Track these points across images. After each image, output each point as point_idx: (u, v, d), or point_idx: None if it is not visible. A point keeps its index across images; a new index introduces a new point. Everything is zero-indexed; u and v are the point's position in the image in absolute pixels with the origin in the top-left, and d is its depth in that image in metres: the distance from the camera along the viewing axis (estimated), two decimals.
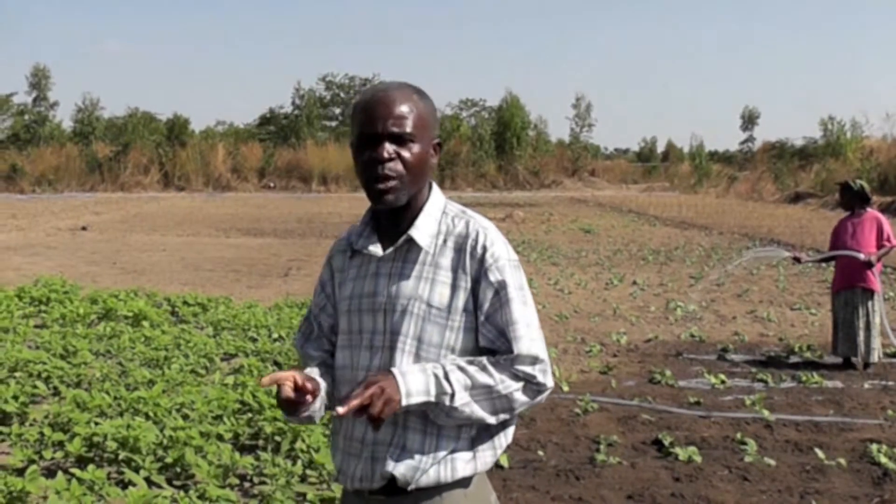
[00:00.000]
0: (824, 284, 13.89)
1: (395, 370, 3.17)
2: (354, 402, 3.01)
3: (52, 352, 12.31)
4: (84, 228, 38.21)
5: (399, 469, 3.31)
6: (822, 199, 55.10)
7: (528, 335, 3.33)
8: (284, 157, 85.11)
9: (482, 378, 3.24)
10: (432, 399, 3.18)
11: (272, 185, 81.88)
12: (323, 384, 3.49)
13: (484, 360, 3.28)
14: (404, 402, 3.12)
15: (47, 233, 36.35)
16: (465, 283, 3.32)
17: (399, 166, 3.33)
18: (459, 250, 3.35)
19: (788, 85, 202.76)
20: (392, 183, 3.33)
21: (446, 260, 3.36)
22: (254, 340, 13.59)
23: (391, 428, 3.34)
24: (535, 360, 3.33)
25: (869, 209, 13.25)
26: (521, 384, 3.30)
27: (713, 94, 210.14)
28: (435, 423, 3.30)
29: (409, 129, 3.33)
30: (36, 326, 14.88)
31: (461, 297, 3.32)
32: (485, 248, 3.34)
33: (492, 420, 3.29)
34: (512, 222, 42.53)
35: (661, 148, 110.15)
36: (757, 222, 42.47)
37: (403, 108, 3.34)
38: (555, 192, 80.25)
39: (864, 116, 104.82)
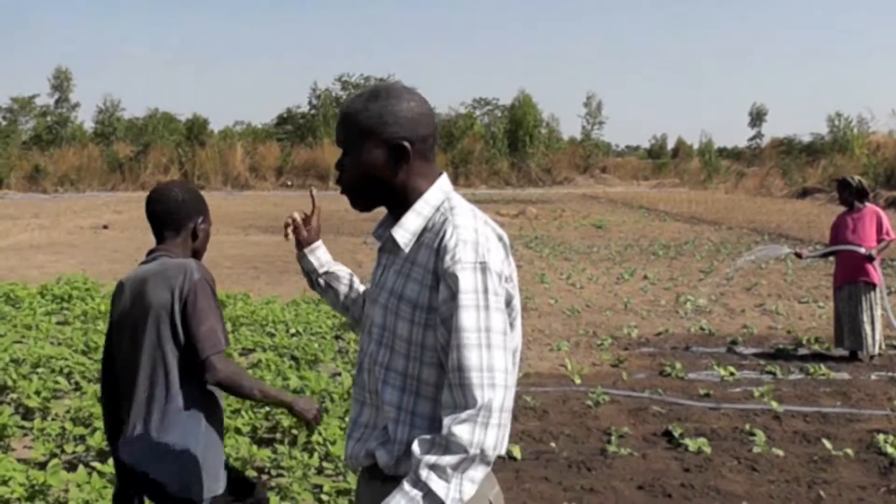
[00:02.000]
0: (831, 278, 13.85)
1: None
2: None
3: (73, 348, 12.32)
4: (105, 227, 38.25)
5: (379, 452, 3.34)
6: (830, 194, 54.77)
7: (478, 344, 3.09)
8: (302, 155, 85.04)
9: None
10: None
11: (290, 183, 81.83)
12: (326, 257, 4.19)
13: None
14: None
15: (69, 231, 36.39)
16: (430, 282, 3.22)
17: (345, 176, 3.42)
18: (433, 247, 3.25)
19: (795, 82, 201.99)
20: (346, 193, 3.43)
21: (422, 257, 3.28)
22: (271, 336, 13.59)
23: (375, 411, 3.39)
24: (465, 409, 3.07)
25: (868, 204, 13.23)
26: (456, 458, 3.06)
27: (722, 92, 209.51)
28: (412, 413, 3.28)
29: (342, 138, 3.40)
30: (58, 323, 14.91)
31: (426, 295, 3.22)
32: (446, 248, 3.17)
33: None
34: (525, 218, 42.49)
35: (671, 145, 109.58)
36: (765, 217, 42.38)
37: (342, 121, 3.41)
38: (567, 189, 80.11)
39: (869, 113, 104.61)
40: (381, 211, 3.48)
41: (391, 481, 3.27)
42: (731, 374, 12.15)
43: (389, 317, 3.31)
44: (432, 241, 3.26)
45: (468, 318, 3.09)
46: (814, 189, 61.19)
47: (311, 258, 4.13)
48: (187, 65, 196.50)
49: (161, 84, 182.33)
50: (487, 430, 3.03)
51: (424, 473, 3.03)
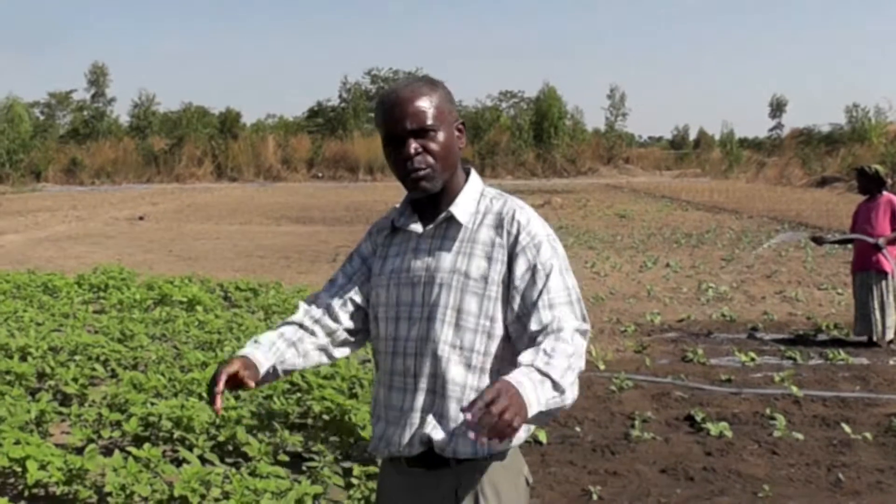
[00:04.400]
0: (850, 265, 13.86)
1: (511, 381, 2.95)
2: (482, 403, 2.83)
3: (110, 336, 12.35)
4: (141, 218, 38.41)
5: (436, 433, 3.33)
6: (849, 183, 54.54)
7: (568, 300, 3.33)
8: (332, 148, 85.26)
9: (561, 363, 3.12)
10: (545, 407, 3.05)
11: (320, 174, 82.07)
12: (267, 363, 3.47)
13: (546, 347, 3.15)
14: (531, 413, 2.95)
15: (106, 223, 36.54)
16: (502, 257, 3.34)
17: (428, 158, 3.37)
18: (497, 227, 3.38)
19: (815, 73, 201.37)
20: (424, 172, 3.36)
21: (484, 236, 3.38)
22: None
23: (430, 396, 3.37)
24: (575, 323, 3.29)
25: (885, 193, 13.17)
26: (574, 345, 3.22)
27: (743, 84, 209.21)
28: (476, 390, 3.30)
29: (428, 122, 3.36)
30: (95, 312, 14.96)
31: (497, 270, 3.33)
32: (520, 225, 3.36)
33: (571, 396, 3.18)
34: (550, 208, 42.48)
35: (693, 135, 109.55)
36: (785, 206, 42.22)
37: (419, 104, 3.37)
38: (591, 179, 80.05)
39: (887, 103, 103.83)
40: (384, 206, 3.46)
41: (439, 468, 3.34)
42: (752, 359, 12.10)
43: (455, 294, 3.35)
44: (495, 219, 3.41)
45: (555, 280, 3.31)
46: (833, 178, 60.95)
47: (264, 372, 3.49)
48: (220, 59, 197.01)
49: (195, 78, 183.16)
50: (582, 357, 3.24)
51: (542, 360, 3.09)
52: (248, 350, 3.47)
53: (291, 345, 3.58)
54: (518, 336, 3.33)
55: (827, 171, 65.34)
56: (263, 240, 29.10)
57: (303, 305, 3.69)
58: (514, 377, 2.95)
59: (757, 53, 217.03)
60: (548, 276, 3.30)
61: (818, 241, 13.78)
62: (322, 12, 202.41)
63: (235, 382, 3.32)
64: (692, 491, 7.62)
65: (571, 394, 3.13)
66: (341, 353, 3.71)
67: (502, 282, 3.34)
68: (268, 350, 3.50)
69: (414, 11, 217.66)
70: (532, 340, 3.24)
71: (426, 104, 3.37)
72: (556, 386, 3.04)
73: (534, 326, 3.27)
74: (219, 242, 28.42)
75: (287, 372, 3.59)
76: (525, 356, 3.11)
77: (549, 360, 3.07)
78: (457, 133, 3.47)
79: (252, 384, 3.34)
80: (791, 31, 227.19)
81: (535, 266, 3.31)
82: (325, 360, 3.67)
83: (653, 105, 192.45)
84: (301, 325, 3.62)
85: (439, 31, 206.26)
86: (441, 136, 3.38)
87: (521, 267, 3.32)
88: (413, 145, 3.35)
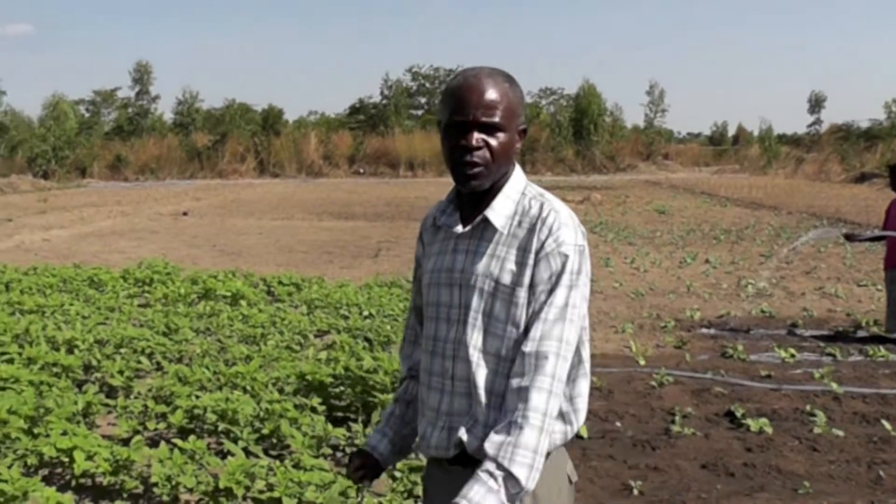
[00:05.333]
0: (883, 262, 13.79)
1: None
2: None
3: (155, 329, 12.41)
4: (185, 213, 38.53)
5: (468, 437, 3.29)
6: (887, 178, 54.26)
7: (559, 317, 3.22)
8: (373, 144, 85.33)
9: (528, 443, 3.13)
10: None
11: (362, 171, 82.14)
12: (385, 441, 3.69)
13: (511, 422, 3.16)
14: None
15: (150, 218, 36.69)
16: (531, 262, 3.25)
17: (486, 154, 3.28)
18: (530, 230, 3.28)
19: (854, 69, 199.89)
20: (478, 169, 3.28)
21: (518, 240, 3.29)
22: (345, 318, 13.62)
23: (465, 399, 3.33)
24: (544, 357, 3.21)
25: None
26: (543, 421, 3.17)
27: (781, 80, 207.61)
28: (497, 395, 3.27)
29: (497, 119, 3.27)
30: (140, 306, 15.04)
31: (527, 275, 3.25)
32: (550, 231, 3.25)
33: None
34: (590, 204, 42.37)
35: (731, 132, 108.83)
36: (824, 202, 41.99)
37: (494, 97, 3.27)
38: (630, 176, 79.82)
39: None
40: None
41: (476, 467, 3.27)
42: (792, 355, 12.05)
43: (486, 299, 3.29)
44: (529, 223, 3.30)
45: (561, 295, 3.22)
46: (871, 174, 60.52)
47: (386, 451, 3.72)
48: (263, 57, 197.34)
49: (238, 76, 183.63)
50: (551, 399, 3.18)
51: (505, 456, 3.10)
52: (369, 439, 3.74)
53: (407, 404, 3.73)
54: (517, 343, 3.28)
55: (866, 167, 64.96)
56: (305, 235, 29.15)
57: (401, 358, 3.85)
58: (473, 496, 3.06)
59: (795, 49, 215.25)
60: (557, 289, 3.23)
61: (850, 238, 13.73)
62: (364, 10, 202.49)
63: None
64: (732, 486, 7.60)
65: (534, 482, 3.16)
66: None
67: (529, 287, 3.26)
68: (385, 425, 3.74)
69: (455, 9, 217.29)
70: (516, 372, 3.21)
71: (501, 99, 3.29)
72: (518, 484, 3.09)
73: (525, 348, 3.21)
74: (261, 237, 28.48)
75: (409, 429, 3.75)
76: (491, 444, 3.13)
77: (514, 452, 3.10)
78: (517, 137, 3.38)
79: (369, 481, 3.69)
80: (830, 26, 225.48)
81: (552, 275, 3.23)
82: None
83: (691, 101, 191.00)
84: (406, 378, 3.77)
85: (480, 29, 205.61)
86: (505, 136, 3.30)
87: (541, 273, 3.24)
88: (476, 137, 3.27)
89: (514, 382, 3.17)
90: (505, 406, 3.20)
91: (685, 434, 8.81)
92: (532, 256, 3.25)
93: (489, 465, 3.08)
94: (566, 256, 3.23)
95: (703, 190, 54.35)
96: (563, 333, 3.21)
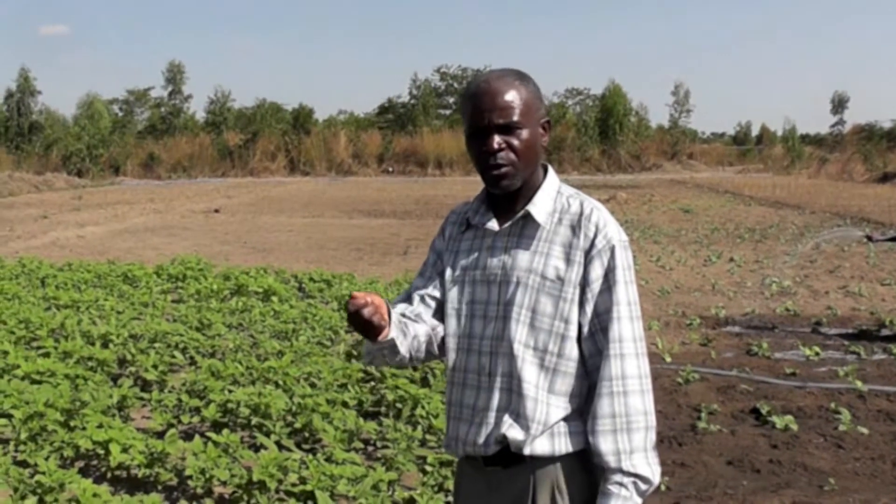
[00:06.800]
0: None
1: None
2: None
3: (188, 324, 12.47)
4: (216, 211, 38.63)
5: (512, 432, 3.27)
6: None
7: (628, 315, 3.26)
8: (402, 143, 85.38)
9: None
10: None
11: (391, 169, 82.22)
12: (400, 329, 3.29)
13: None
14: None
15: (182, 215, 36.80)
16: (579, 258, 3.26)
17: (510, 155, 3.27)
18: (574, 227, 3.29)
19: (877, 69, 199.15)
20: (505, 170, 3.27)
21: (561, 236, 3.30)
22: None
23: (506, 394, 3.30)
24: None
25: None
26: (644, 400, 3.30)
27: (805, 80, 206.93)
28: (548, 391, 3.27)
29: (515, 119, 3.27)
30: (173, 301, 15.12)
31: (575, 271, 3.25)
32: (598, 228, 3.27)
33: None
34: (616, 203, 42.28)
35: (755, 132, 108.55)
36: (847, 202, 41.78)
37: (507, 98, 3.27)
38: (655, 175, 79.63)
39: None
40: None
41: (516, 465, 3.30)
42: (816, 353, 12.02)
43: (531, 294, 3.28)
44: (571, 220, 3.32)
45: (623, 292, 3.25)
46: (894, 174, 60.26)
47: (382, 343, 3.26)
48: (294, 56, 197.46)
49: (269, 75, 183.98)
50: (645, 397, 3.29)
51: (626, 462, 3.19)
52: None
53: (408, 322, 3.42)
54: (591, 354, 3.29)
55: (889, 167, 64.67)
56: (335, 232, 29.19)
57: (399, 306, 3.52)
58: None
59: (819, 50, 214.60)
60: (618, 288, 3.25)
61: (870, 239, 13.72)
62: (393, 11, 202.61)
63: (363, 322, 3.09)
64: (758, 483, 7.57)
65: (658, 475, 3.27)
66: (435, 352, 3.54)
67: (578, 284, 3.26)
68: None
69: (481, 9, 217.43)
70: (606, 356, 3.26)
71: (515, 99, 3.28)
72: (648, 481, 3.21)
73: (608, 338, 3.25)
74: (292, 235, 28.54)
75: (397, 352, 3.31)
76: (608, 456, 3.20)
77: (632, 457, 3.20)
78: (541, 131, 3.37)
79: (382, 333, 3.16)
80: (853, 26, 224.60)
81: (607, 272, 3.25)
82: (431, 351, 3.50)
83: (716, 102, 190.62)
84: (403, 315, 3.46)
85: (507, 29, 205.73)
86: (526, 133, 3.29)
87: (595, 270, 3.25)
88: (497, 140, 3.26)
89: (605, 387, 3.23)
90: (600, 411, 3.23)
91: (711, 430, 8.79)
92: (580, 253, 3.26)
93: (615, 477, 3.18)
94: (617, 253, 3.26)
95: (727, 189, 54.17)
96: (635, 332, 3.26)
